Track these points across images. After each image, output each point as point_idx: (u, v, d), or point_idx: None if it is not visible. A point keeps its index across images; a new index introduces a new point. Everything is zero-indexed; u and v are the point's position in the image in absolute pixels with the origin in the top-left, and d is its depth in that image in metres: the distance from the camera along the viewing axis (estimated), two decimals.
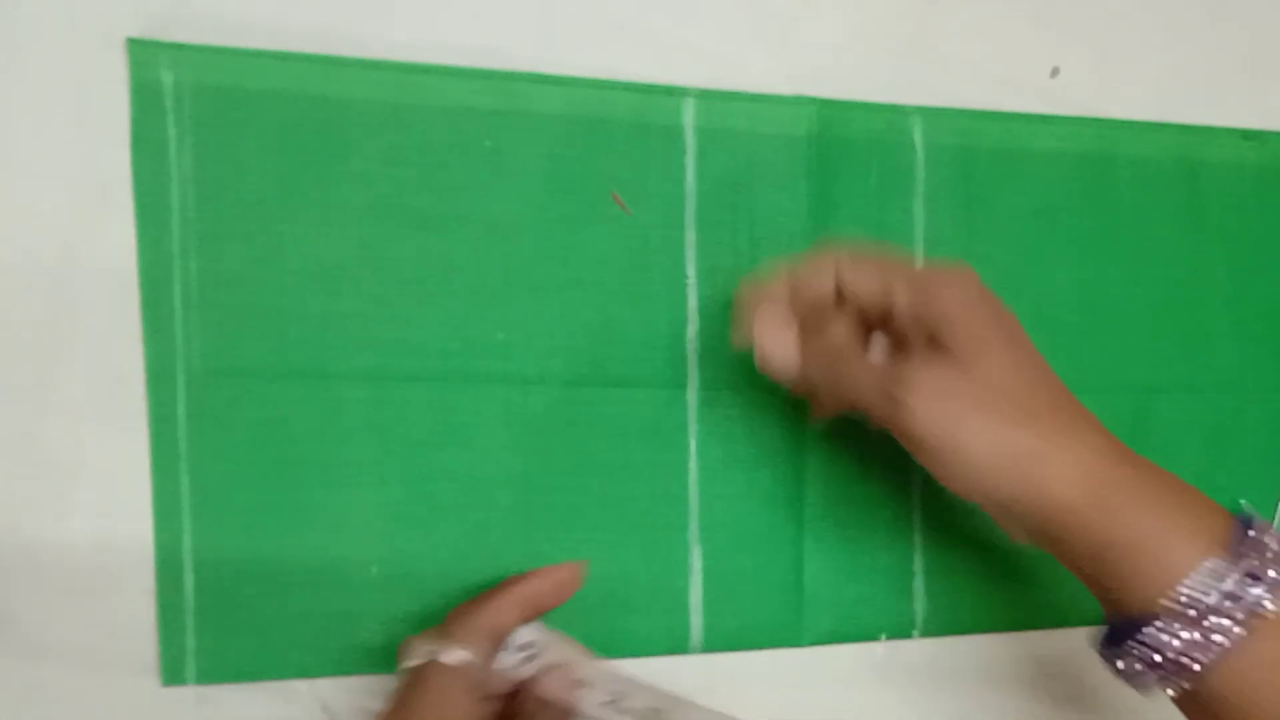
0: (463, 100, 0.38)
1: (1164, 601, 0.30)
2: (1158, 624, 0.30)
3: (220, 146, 0.36)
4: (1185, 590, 0.30)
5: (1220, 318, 0.46)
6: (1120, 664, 0.32)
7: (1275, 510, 0.47)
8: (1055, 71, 0.44)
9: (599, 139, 0.39)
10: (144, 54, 0.35)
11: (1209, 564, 0.30)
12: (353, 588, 0.38)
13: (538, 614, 0.37)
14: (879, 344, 0.35)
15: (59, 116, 0.35)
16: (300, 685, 0.37)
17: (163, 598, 0.36)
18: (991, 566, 0.44)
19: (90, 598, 0.36)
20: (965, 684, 0.44)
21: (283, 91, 0.36)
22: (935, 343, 0.33)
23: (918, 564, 0.43)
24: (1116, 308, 0.45)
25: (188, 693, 0.37)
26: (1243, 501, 0.31)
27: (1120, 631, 0.32)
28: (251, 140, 0.36)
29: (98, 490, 0.36)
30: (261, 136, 0.36)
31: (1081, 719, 0.46)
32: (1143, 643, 0.31)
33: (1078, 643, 0.45)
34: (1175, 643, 0.30)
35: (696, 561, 0.41)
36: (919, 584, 0.43)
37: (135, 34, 0.35)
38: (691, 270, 0.40)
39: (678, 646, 0.41)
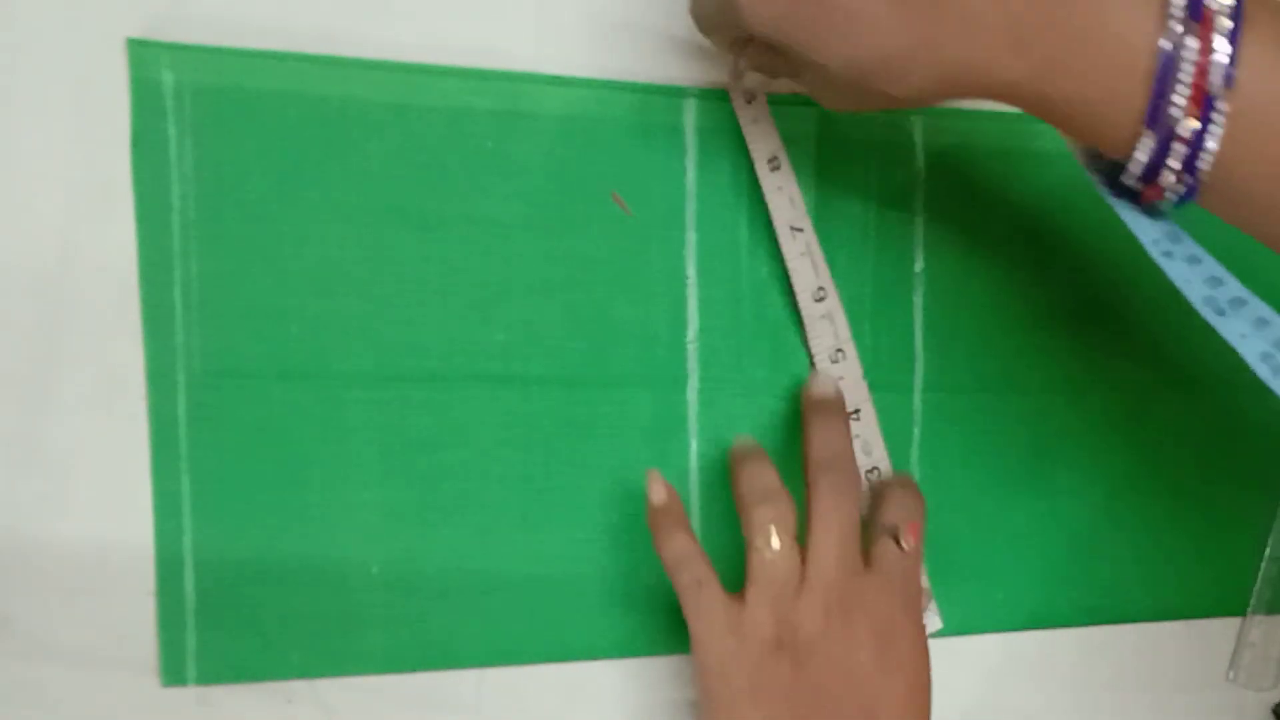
0: (463, 100, 0.38)
1: (1135, 155, 0.30)
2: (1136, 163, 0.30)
3: (220, 146, 0.36)
4: (1133, 168, 0.30)
5: None
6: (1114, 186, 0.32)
7: (1275, 511, 0.47)
8: None
9: (599, 139, 0.39)
10: (144, 54, 0.35)
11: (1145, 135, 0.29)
12: (353, 588, 0.38)
13: None
14: None
15: (59, 116, 0.35)
16: (300, 685, 0.37)
17: (163, 598, 0.36)
18: (991, 566, 0.44)
19: (90, 598, 0.36)
20: (964, 684, 0.44)
21: (283, 91, 0.36)
22: None
23: None
24: (1116, 307, 0.45)
25: (188, 693, 0.37)
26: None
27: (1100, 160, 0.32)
28: (251, 140, 0.36)
29: (98, 490, 0.36)
30: (261, 136, 0.36)
31: (1079, 718, 0.46)
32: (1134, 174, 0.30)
33: (1077, 643, 0.45)
34: (1171, 166, 0.29)
35: None
36: None
37: (135, 34, 0.35)
38: (691, 270, 0.40)
39: (678, 646, 0.41)
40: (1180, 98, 0.28)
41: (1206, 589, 0.47)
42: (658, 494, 0.37)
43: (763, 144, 0.40)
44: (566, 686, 0.40)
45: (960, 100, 0.31)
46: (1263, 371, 0.30)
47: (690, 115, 0.40)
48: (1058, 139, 0.44)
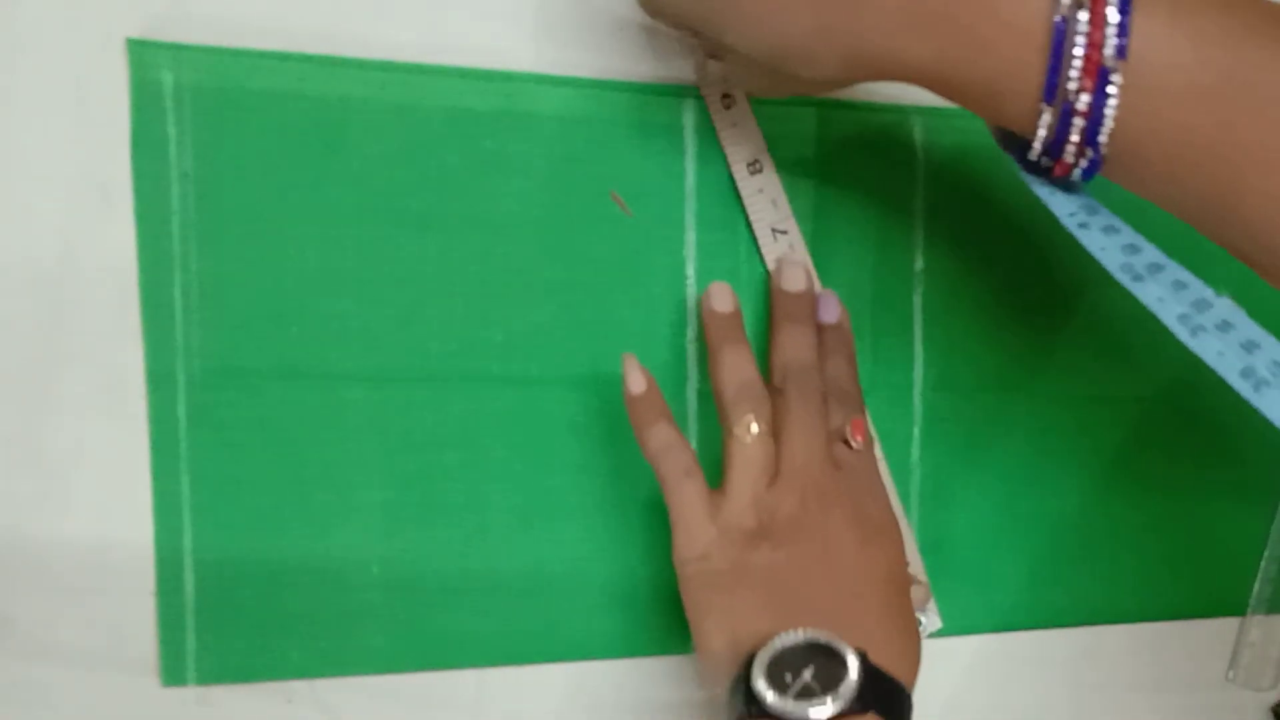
0: (463, 100, 0.38)
1: (1040, 133, 0.30)
2: (1040, 143, 0.30)
3: (220, 146, 0.36)
4: (1039, 143, 0.30)
5: None
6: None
7: (1275, 511, 0.47)
8: None
9: (599, 139, 0.39)
10: (144, 54, 0.35)
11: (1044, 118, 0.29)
12: (353, 588, 0.38)
13: None
14: None
15: (59, 116, 0.35)
16: (300, 685, 0.37)
17: (163, 598, 0.36)
18: (991, 566, 0.44)
19: (90, 598, 0.36)
20: (964, 683, 0.44)
21: (283, 91, 0.36)
22: None
23: (916, 564, 0.43)
24: (1117, 309, 0.45)
25: (188, 693, 0.37)
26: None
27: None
28: (251, 140, 0.36)
29: (98, 490, 0.36)
30: (261, 136, 0.36)
31: (1079, 718, 0.46)
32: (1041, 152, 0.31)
33: (1076, 643, 0.45)
34: (1070, 143, 0.30)
35: None
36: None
37: (135, 34, 0.35)
38: (691, 270, 0.40)
39: (678, 646, 0.41)
40: (1075, 71, 0.28)
41: (1206, 589, 0.47)
42: (636, 382, 0.37)
43: (743, 148, 0.40)
44: (566, 686, 0.40)
45: (875, 84, 0.32)
46: (1181, 333, 0.31)
47: (690, 115, 0.40)
48: None
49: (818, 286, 0.41)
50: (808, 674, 0.32)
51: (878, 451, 0.41)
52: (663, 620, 0.40)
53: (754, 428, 0.36)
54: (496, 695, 0.39)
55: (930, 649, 0.40)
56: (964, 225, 0.43)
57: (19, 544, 0.35)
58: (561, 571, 0.39)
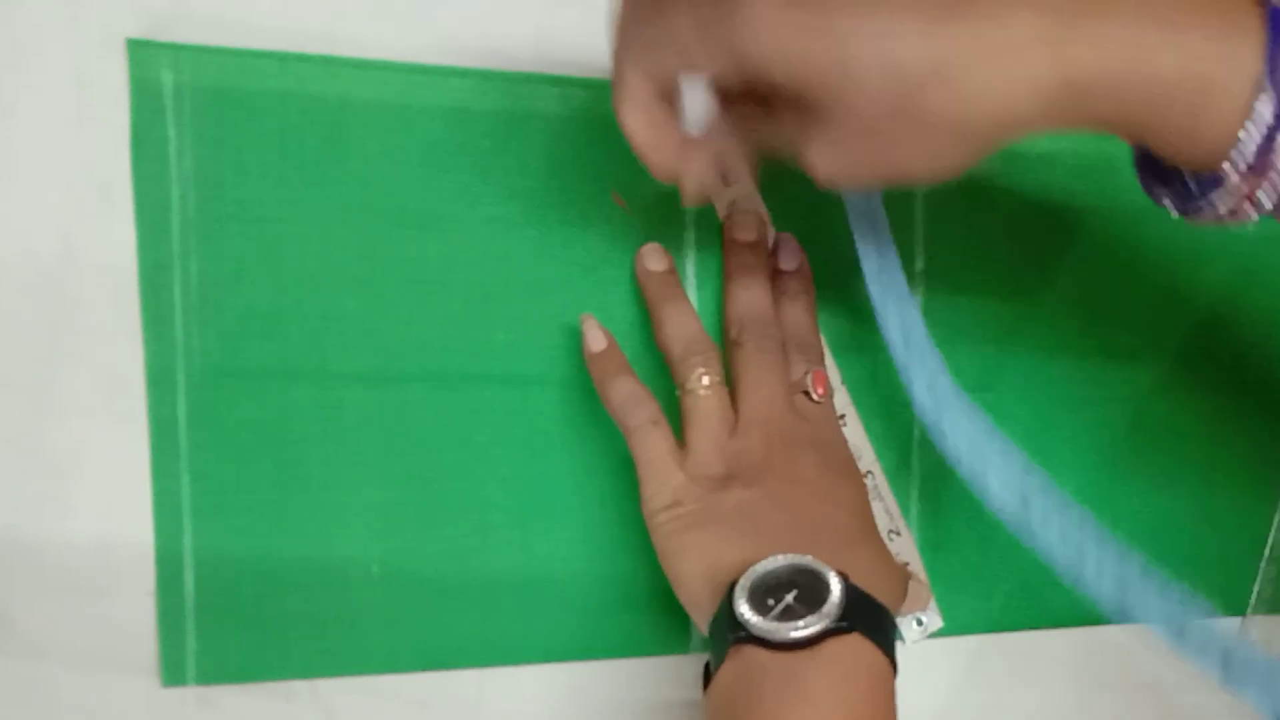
0: (463, 100, 0.38)
1: (1224, 165, 0.27)
2: (1220, 183, 0.27)
3: (220, 146, 0.36)
4: (1240, 147, 0.27)
5: (1218, 314, 0.46)
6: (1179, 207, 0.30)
7: (1275, 512, 0.47)
8: None
9: (599, 139, 0.39)
10: (144, 54, 0.35)
11: (1262, 106, 0.26)
12: (353, 588, 0.38)
13: None
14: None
15: (59, 116, 0.35)
16: (300, 685, 0.37)
17: (163, 598, 0.36)
18: (991, 566, 0.44)
19: (90, 598, 0.36)
20: (963, 684, 0.44)
21: (283, 92, 0.36)
22: None
23: (916, 564, 0.43)
24: (1116, 307, 0.45)
25: (188, 693, 0.37)
26: None
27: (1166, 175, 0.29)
28: (251, 140, 0.36)
29: (98, 490, 0.36)
30: (261, 137, 0.36)
31: (1079, 718, 0.46)
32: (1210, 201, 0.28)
33: (1077, 643, 0.45)
34: (1244, 189, 0.27)
35: None
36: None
37: (135, 34, 0.35)
38: (691, 270, 0.40)
39: (678, 646, 0.41)
40: None
41: (1206, 589, 0.47)
42: (596, 340, 0.37)
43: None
44: (566, 686, 0.40)
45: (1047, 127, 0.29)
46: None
47: None
48: (1057, 139, 0.44)
49: (772, 235, 0.41)
50: (790, 597, 0.32)
51: (851, 411, 0.41)
52: (663, 620, 0.40)
53: (705, 379, 0.37)
54: (496, 695, 0.39)
55: (930, 649, 0.40)
56: (964, 225, 0.43)
57: (19, 544, 0.35)
58: (561, 571, 0.39)
